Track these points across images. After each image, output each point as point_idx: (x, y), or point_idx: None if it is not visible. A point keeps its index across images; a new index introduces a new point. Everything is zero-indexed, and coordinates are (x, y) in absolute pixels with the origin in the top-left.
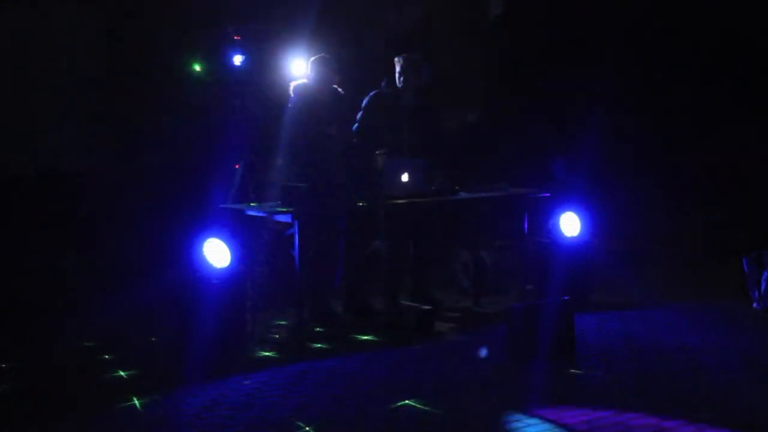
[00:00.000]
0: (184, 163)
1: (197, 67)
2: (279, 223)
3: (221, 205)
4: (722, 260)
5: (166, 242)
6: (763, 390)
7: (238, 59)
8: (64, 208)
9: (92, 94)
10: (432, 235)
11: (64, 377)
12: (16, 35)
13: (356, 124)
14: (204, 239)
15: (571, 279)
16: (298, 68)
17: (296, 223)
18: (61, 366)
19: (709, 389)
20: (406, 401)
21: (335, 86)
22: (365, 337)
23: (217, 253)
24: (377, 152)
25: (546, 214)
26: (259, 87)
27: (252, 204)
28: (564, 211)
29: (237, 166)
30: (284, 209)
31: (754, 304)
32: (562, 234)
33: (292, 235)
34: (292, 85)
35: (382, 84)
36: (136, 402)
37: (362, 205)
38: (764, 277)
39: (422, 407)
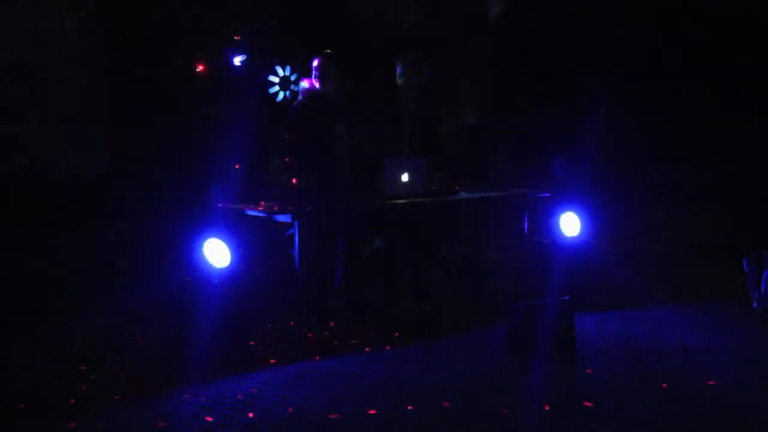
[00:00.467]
0: (184, 163)
1: (197, 67)
2: (279, 223)
3: (221, 205)
4: (722, 260)
5: (166, 242)
6: (763, 390)
7: (238, 59)
8: (64, 209)
9: (92, 95)
10: (432, 235)
11: (64, 377)
12: (16, 35)
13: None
14: (204, 239)
15: (571, 279)
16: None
17: (296, 223)
18: (61, 366)
19: (709, 389)
20: (406, 401)
21: (345, 83)
22: (365, 337)
23: (217, 253)
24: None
25: (546, 214)
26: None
27: (252, 204)
28: (564, 211)
29: (237, 166)
30: (284, 209)
31: (754, 304)
32: (562, 234)
33: (292, 235)
34: (301, 85)
35: (385, 83)
36: (136, 402)
37: (362, 205)
38: (764, 277)
39: (422, 407)
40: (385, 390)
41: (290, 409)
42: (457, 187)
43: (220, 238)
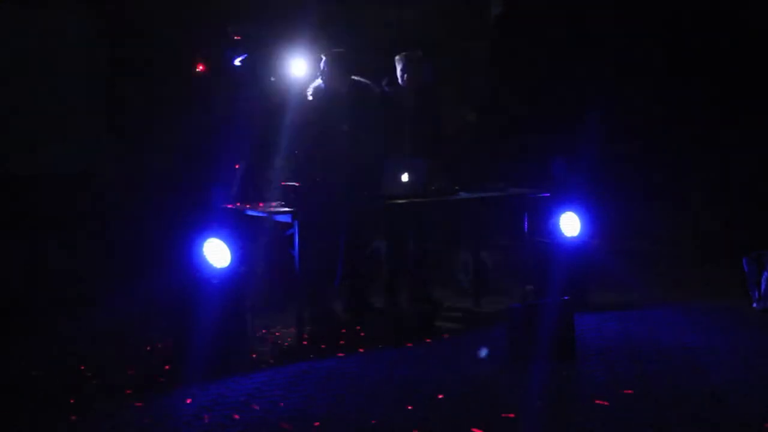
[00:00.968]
0: (185, 163)
1: (197, 67)
2: (279, 223)
3: (221, 205)
4: (722, 260)
5: (166, 242)
6: (763, 390)
7: (238, 59)
8: (64, 209)
9: (92, 95)
10: (432, 235)
11: (64, 377)
12: (17, 35)
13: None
14: (204, 239)
15: (571, 279)
16: (299, 68)
17: (296, 223)
18: (61, 366)
19: (709, 389)
20: (406, 401)
21: (358, 79)
22: (365, 337)
23: (217, 253)
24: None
25: (546, 214)
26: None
27: (252, 204)
28: (564, 211)
29: (237, 166)
30: (284, 209)
31: (754, 304)
32: (562, 234)
33: (292, 235)
34: (312, 86)
35: (384, 83)
36: (136, 402)
37: (362, 205)
38: (764, 277)
39: (422, 407)
40: (385, 390)
41: (290, 409)
42: (457, 187)
43: (220, 238)
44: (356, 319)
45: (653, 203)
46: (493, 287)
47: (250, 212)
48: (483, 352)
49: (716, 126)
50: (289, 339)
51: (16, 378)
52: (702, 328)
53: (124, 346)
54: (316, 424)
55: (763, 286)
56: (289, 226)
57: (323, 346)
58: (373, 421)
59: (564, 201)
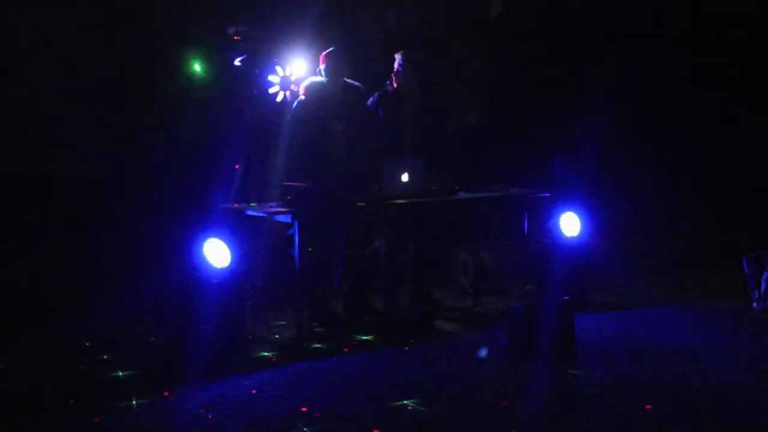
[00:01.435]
0: (185, 163)
1: (197, 67)
2: (279, 223)
3: (221, 205)
4: (722, 260)
5: (166, 242)
6: (763, 390)
7: (238, 59)
8: (64, 209)
9: (92, 95)
10: (432, 235)
11: (64, 377)
12: (17, 35)
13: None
14: (204, 239)
15: (571, 279)
16: (299, 68)
17: (296, 223)
18: (61, 366)
19: (709, 389)
20: (406, 401)
21: (350, 81)
22: (365, 337)
23: (217, 253)
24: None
25: (546, 214)
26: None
27: (252, 204)
28: (564, 211)
29: (237, 166)
30: (284, 209)
31: (754, 304)
32: (562, 234)
33: (292, 235)
34: (304, 84)
35: (387, 83)
36: (136, 402)
37: (362, 205)
38: (764, 277)
39: (422, 407)
40: (385, 390)
41: (290, 409)
42: (457, 187)
43: (220, 238)
44: (356, 319)
45: (653, 203)
46: (493, 287)
47: (250, 212)
48: (483, 352)
49: (716, 126)
50: (289, 339)
51: (15, 378)
52: (702, 328)
53: (124, 346)
54: (317, 424)
55: (763, 286)
56: (289, 226)
57: (323, 346)
58: (373, 421)
59: (564, 201)
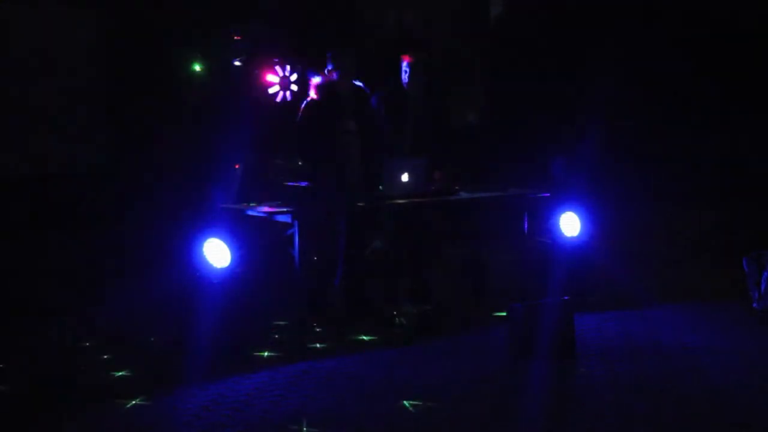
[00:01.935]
0: (184, 163)
1: (197, 67)
2: (279, 223)
3: (221, 205)
4: (722, 260)
5: (166, 242)
6: (763, 390)
7: (238, 59)
8: (64, 209)
9: (92, 95)
10: (432, 235)
11: (64, 377)
12: (17, 35)
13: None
14: (204, 239)
15: (571, 279)
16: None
17: (296, 223)
18: (61, 366)
19: (709, 389)
20: (406, 401)
21: (356, 83)
22: (365, 337)
23: (217, 253)
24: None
25: (546, 214)
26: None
27: (252, 204)
28: (564, 211)
29: (237, 166)
30: (284, 209)
31: (754, 304)
32: (562, 234)
33: (292, 235)
34: (313, 82)
35: (390, 83)
36: (136, 402)
37: (362, 205)
38: (764, 277)
39: (422, 407)
40: (385, 390)
41: (290, 409)
42: (457, 187)
43: (220, 238)
44: (356, 319)
45: (653, 203)
46: (493, 287)
47: (250, 212)
48: (483, 352)
49: (716, 126)
50: (289, 339)
51: (16, 378)
52: (702, 328)
53: (124, 346)
54: (317, 424)
55: (763, 286)
56: (289, 226)
57: (323, 346)
58: (373, 422)
59: (564, 201)
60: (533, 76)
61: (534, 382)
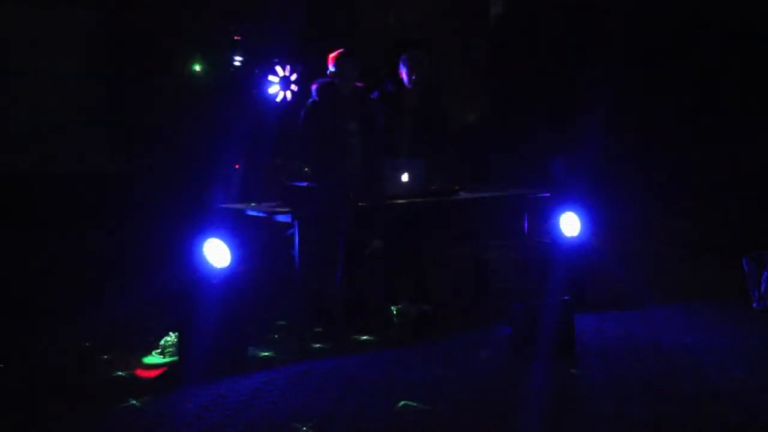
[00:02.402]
0: (184, 163)
1: (197, 67)
2: (279, 223)
3: (221, 205)
4: (722, 260)
5: (166, 242)
6: (763, 390)
7: (238, 59)
8: (64, 208)
9: (92, 95)
10: (432, 235)
11: (64, 377)
12: (17, 35)
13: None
14: (204, 239)
15: (571, 279)
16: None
17: (296, 223)
18: (61, 366)
19: (709, 389)
20: (406, 401)
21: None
22: (365, 337)
23: (217, 253)
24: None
25: (546, 214)
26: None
27: (252, 204)
28: (564, 211)
29: (237, 166)
30: (284, 209)
31: (754, 304)
32: (562, 234)
33: (292, 235)
34: (315, 84)
35: (387, 83)
36: (136, 402)
37: (362, 205)
38: (764, 277)
39: (422, 407)
40: (385, 390)
41: (290, 409)
42: (457, 187)
43: (220, 238)
44: (356, 318)
45: (653, 203)
46: (493, 287)
47: (250, 212)
48: (483, 352)
49: (716, 126)
50: (289, 339)
51: (16, 378)
52: (702, 328)
53: (124, 346)
54: (317, 424)
55: (763, 286)
56: (289, 226)
57: (323, 346)
58: (373, 422)
59: (564, 201)
60: (533, 76)
61: (534, 382)
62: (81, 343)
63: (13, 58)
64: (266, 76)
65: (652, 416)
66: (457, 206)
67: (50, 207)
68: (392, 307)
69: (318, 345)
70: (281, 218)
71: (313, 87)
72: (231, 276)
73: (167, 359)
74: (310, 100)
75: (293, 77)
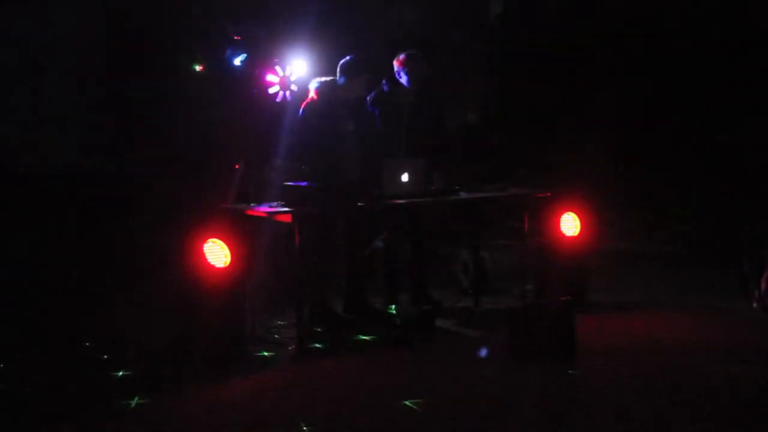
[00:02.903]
0: (185, 163)
1: (197, 67)
2: (279, 223)
3: (221, 205)
4: (722, 260)
5: (166, 242)
6: (763, 390)
7: (238, 59)
8: (64, 208)
9: (92, 94)
10: (432, 234)
11: (64, 377)
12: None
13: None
14: (204, 239)
15: (571, 279)
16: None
17: (296, 223)
18: (61, 366)
19: (709, 389)
20: (406, 401)
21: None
22: (365, 337)
23: (217, 253)
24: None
25: (546, 214)
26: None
27: (252, 204)
28: (564, 211)
29: (237, 166)
30: (284, 209)
31: (754, 304)
32: (562, 234)
33: (292, 235)
34: (315, 83)
35: (383, 83)
36: (136, 402)
37: (362, 205)
38: (764, 277)
39: (422, 407)
40: (385, 390)
41: (290, 409)
42: (457, 187)
43: (220, 238)
44: (356, 319)
45: (654, 203)
46: (493, 287)
47: (250, 212)
48: (483, 352)
49: (716, 126)
50: (289, 339)
51: (16, 378)
52: (702, 328)
53: (124, 347)
54: (316, 424)
55: (763, 286)
56: (289, 226)
57: (323, 346)
58: (372, 422)
59: (564, 201)
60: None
61: (534, 382)
62: (81, 343)
63: (12, 57)
64: (266, 76)
65: (652, 416)
66: (457, 206)
67: (48, 206)
68: (392, 307)
69: (318, 345)
70: (281, 218)
71: (312, 88)
72: (231, 276)
73: None
74: (309, 100)
75: (293, 77)
